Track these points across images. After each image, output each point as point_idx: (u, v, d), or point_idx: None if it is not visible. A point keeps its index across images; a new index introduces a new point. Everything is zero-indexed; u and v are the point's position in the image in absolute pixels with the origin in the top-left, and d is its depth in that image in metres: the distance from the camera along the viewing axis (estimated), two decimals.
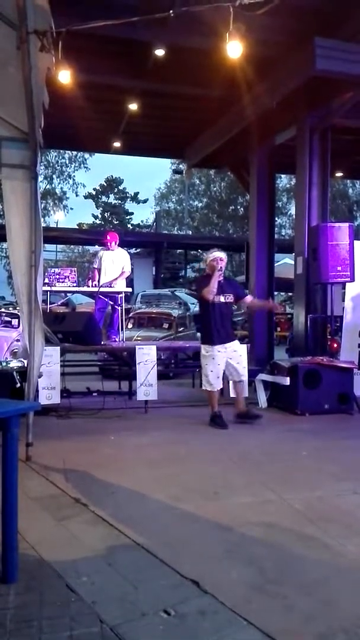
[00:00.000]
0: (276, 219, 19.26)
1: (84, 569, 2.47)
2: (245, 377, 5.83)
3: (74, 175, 31.39)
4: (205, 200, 35.86)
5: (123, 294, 7.63)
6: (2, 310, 10.24)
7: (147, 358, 6.27)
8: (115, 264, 7.74)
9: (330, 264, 6.92)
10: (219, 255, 5.80)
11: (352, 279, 6.99)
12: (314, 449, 4.80)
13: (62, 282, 7.45)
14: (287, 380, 6.41)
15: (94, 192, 39.32)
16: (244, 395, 5.89)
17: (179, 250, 31.29)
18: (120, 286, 7.67)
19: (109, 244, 7.85)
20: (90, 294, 9.00)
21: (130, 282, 11.14)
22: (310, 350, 7.51)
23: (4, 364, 5.61)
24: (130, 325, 10.67)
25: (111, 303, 7.68)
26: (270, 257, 9.51)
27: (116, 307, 7.65)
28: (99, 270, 7.77)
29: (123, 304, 7.67)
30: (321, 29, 6.55)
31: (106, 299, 7.65)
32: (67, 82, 5.31)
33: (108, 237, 7.92)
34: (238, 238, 26.26)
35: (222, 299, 5.71)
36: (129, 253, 8.42)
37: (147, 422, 5.91)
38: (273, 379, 6.70)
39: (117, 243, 7.97)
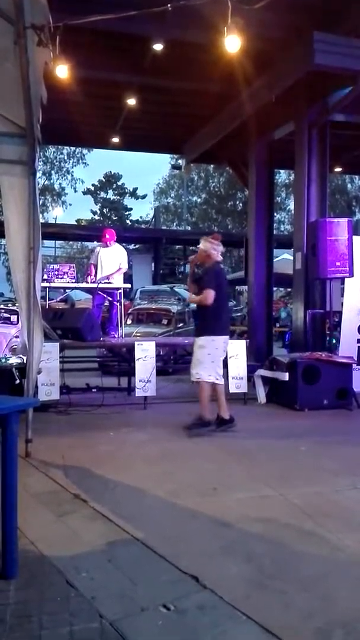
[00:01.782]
0: (275, 214, 19.23)
1: (83, 565, 2.48)
2: (194, 377, 5.16)
3: (73, 171, 31.35)
4: (204, 195, 35.78)
5: (122, 290, 7.63)
6: (1, 306, 10.23)
7: (146, 354, 6.26)
8: (112, 260, 7.73)
9: (329, 260, 6.92)
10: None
11: (351, 274, 6.99)
12: (312, 444, 4.80)
13: (61, 278, 7.43)
14: (286, 376, 6.42)
15: (92, 188, 39.22)
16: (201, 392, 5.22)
17: (177, 246, 31.26)
18: (118, 282, 7.67)
19: (107, 242, 7.85)
20: (88, 290, 9.00)
21: (129, 278, 11.14)
22: (309, 346, 7.51)
23: (3, 360, 5.61)
24: (129, 322, 10.66)
25: (109, 299, 7.67)
26: (269, 252, 9.50)
27: (114, 303, 7.65)
28: (96, 266, 7.77)
29: (122, 300, 7.66)
30: (320, 23, 6.53)
31: (104, 295, 7.64)
32: (64, 76, 5.32)
33: (107, 236, 7.91)
34: (237, 233, 26.19)
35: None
36: (126, 249, 8.42)
37: (146, 418, 5.91)
38: (272, 374, 6.71)
39: (115, 240, 7.96)
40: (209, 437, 5.07)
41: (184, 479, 3.79)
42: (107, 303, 7.89)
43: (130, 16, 4.74)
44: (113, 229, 8.52)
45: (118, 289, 7.59)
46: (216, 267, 5.25)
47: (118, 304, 7.63)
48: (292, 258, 8.41)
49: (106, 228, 9.01)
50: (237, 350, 6.74)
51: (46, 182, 30.30)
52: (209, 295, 5.06)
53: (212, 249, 5.21)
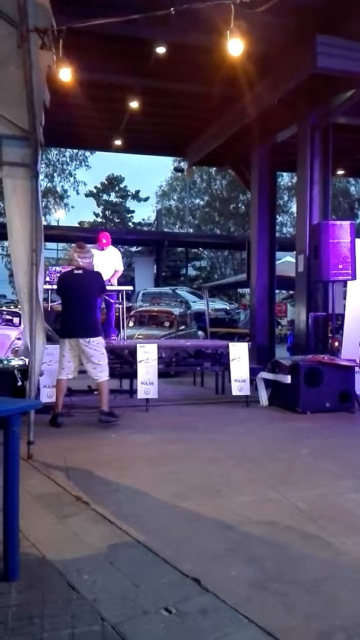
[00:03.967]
0: (277, 217, 19.24)
1: (85, 567, 2.47)
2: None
3: (75, 174, 31.44)
4: (207, 198, 35.82)
5: (123, 292, 7.64)
6: (4, 308, 10.24)
7: (148, 356, 6.27)
8: (107, 263, 7.76)
9: (332, 262, 6.92)
10: None
11: (354, 277, 6.99)
12: (315, 447, 4.80)
13: None
14: (288, 379, 6.41)
15: (95, 190, 39.27)
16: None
17: (180, 249, 31.28)
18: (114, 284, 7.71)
19: (102, 247, 7.87)
20: None
21: (131, 280, 11.19)
22: (312, 349, 7.50)
23: (5, 362, 5.61)
24: (131, 324, 10.67)
25: (110, 301, 7.67)
26: (272, 255, 9.51)
27: (112, 304, 7.65)
28: None
29: (124, 302, 7.67)
30: (322, 26, 6.54)
31: (103, 297, 7.66)
32: (68, 80, 5.30)
33: (104, 241, 7.93)
34: (239, 236, 26.22)
35: None
36: (128, 251, 8.45)
37: (148, 421, 5.91)
38: (274, 377, 6.70)
39: (110, 243, 8.00)
40: (210, 439, 5.07)
41: (187, 481, 3.79)
42: (103, 305, 7.90)
43: (133, 19, 4.74)
44: (107, 232, 8.55)
45: (120, 291, 7.59)
46: (64, 274, 5.93)
47: (116, 304, 7.64)
48: (294, 260, 8.42)
49: (101, 231, 9.03)
50: (240, 352, 6.74)
51: (49, 184, 30.40)
52: None
53: (73, 256, 5.79)
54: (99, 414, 5.51)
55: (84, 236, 26.08)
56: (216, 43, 5.33)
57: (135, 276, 22.05)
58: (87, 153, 29.57)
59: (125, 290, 7.77)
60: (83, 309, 5.62)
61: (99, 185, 39.57)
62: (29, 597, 2.22)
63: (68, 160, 30.75)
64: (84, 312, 5.63)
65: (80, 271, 5.65)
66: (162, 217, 33.30)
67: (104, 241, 7.91)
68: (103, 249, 7.86)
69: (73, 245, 5.82)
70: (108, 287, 7.53)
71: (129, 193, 40.50)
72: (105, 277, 7.63)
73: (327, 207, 7.97)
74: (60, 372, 5.58)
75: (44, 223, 4.62)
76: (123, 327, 7.76)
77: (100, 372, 5.55)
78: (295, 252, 8.28)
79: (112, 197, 40.50)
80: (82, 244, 5.88)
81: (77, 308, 5.56)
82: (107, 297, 7.67)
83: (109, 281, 7.57)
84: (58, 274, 7.47)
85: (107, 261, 7.77)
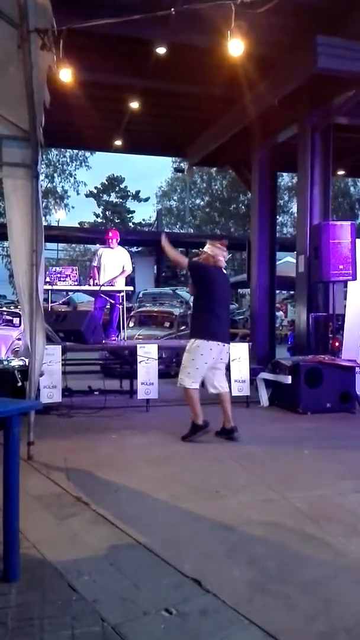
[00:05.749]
0: (278, 217, 19.23)
1: (85, 568, 2.47)
2: (178, 382, 5.15)
3: (75, 174, 31.51)
4: (207, 198, 35.85)
5: (124, 293, 7.63)
6: (4, 309, 10.25)
7: (148, 357, 6.26)
8: (115, 262, 7.72)
9: (332, 263, 6.91)
10: None
11: (354, 278, 6.98)
12: (315, 448, 4.79)
13: (64, 280, 7.44)
14: (288, 379, 6.41)
15: (95, 191, 39.34)
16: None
17: (180, 249, 31.26)
18: (120, 285, 7.66)
19: (110, 241, 7.84)
20: (90, 293, 9.02)
21: (131, 280, 11.17)
22: (312, 349, 7.50)
23: (5, 362, 5.61)
24: (131, 324, 10.67)
25: (111, 301, 7.67)
26: (272, 255, 9.50)
27: (117, 305, 7.65)
28: (99, 268, 7.76)
29: (124, 303, 7.67)
30: (323, 27, 6.52)
31: (106, 298, 7.65)
32: (68, 80, 5.33)
33: (110, 235, 7.91)
34: (240, 236, 26.23)
35: None
36: (129, 251, 8.42)
37: (149, 421, 5.91)
38: (275, 377, 6.70)
39: (118, 241, 7.96)
40: (211, 440, 5.06)
41: (187, 482, 3.78)
42: (108, 305, 7.89)
43: (134, 20, 4.73)
44: (117, 230, 8.53)
45: (120, 291, 7.59)
46: (213, 268, 5.10)
47: (119, 306, 7.63)
48: (295, 261, 8.41)
49: (110, 229, 9.04)
50: (240, 353, 6.73)
51: (49, 184, 30.44)
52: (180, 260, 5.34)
53: (218, 253, 5.08)
54: (230, 433, 5.03)
55: (84, 236, 26.29)
56: (217, 43, 5.33)
57: (136, 277, 22.09)
58: (87, 153, 29.62)
59: (126, 291, 7.75)
60: (228, 312, 5.37)
61: (99, 186, 39.66)
62: (29, 597, 2.22)
63: (68, 160, 30.83)
64: (228, 316, 5.37)
65: (225, 271, 5.28)
66: (163, 217, 33.33)
67: (110, 235, 7.89)
68: (110, 246, 7.83)
69: (213, 241, 5.19)
70: (110, 288, 7.55)
71: (129, 193, 40.55)
72: (111, 276, 7.64)
73: (328, 207, 7.95)
74: (197, 379, 4.96)
75: (44, 223, 4.62)
76: (123, 328, 7.75)
77: (226, 380, 5.23)
78: (295, 252, 8.27)
79: (113, 198, 40.56)
80: (225, 241, 5.36)
81: (225, 310, 5.18)
82: (108, 298, 7.67)
83: (111, 282, 7.56)
84: (58, 274, 7.49)
85: (117, 260, 7.75)
